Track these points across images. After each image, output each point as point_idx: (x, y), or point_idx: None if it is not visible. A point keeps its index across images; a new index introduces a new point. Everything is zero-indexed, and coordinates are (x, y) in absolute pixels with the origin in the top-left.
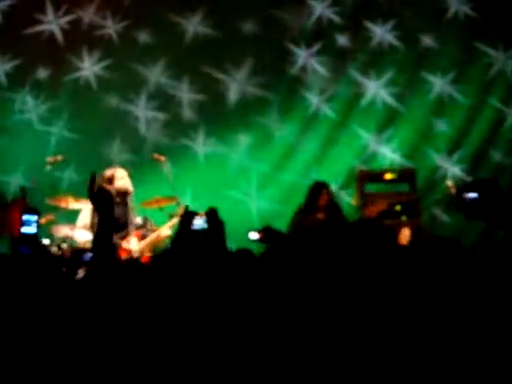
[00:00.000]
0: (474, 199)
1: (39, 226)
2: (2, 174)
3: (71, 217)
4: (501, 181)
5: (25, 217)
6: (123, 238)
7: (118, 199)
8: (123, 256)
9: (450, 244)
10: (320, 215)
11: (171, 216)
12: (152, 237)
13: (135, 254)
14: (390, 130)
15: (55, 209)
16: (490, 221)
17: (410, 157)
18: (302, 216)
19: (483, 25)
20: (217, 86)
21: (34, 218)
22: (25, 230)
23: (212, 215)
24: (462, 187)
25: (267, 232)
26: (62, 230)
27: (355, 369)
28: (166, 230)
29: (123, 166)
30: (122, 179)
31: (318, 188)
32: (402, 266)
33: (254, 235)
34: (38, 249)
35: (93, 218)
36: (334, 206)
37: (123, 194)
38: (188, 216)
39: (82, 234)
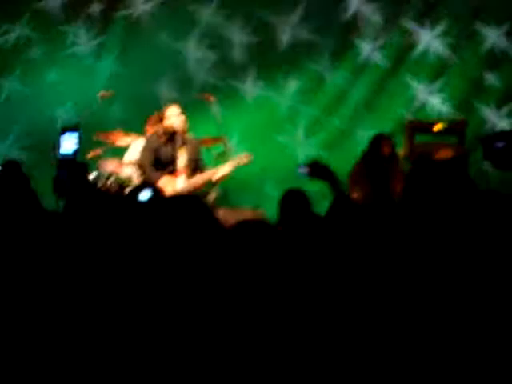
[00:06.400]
0: (501, 148)
1: (78, 148)
2: (50, 107)
3: (118, 152)
4: None
5: (64, 136)
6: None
7: (164, 138)
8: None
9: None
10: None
11: (218, 156)
12: (206, 175)
13: (182, 191)
14: (441, 81)
15: (103, 144)
16: None
17: (459, 109)
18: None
19: None
20: (268, 29)
21: (75, 135)
22: (63, 151)
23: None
24: (491, 136)
25: (315, 167)
26: (110, 165)
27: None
28: (225, 169)
29: (173, 104)
30: (168, 119)
31: (379, 140)
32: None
33: (302, 169)
34: (77, 172)
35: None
36: (394, 156)
37: (171, 133)
38: None
39: (129, 169)
